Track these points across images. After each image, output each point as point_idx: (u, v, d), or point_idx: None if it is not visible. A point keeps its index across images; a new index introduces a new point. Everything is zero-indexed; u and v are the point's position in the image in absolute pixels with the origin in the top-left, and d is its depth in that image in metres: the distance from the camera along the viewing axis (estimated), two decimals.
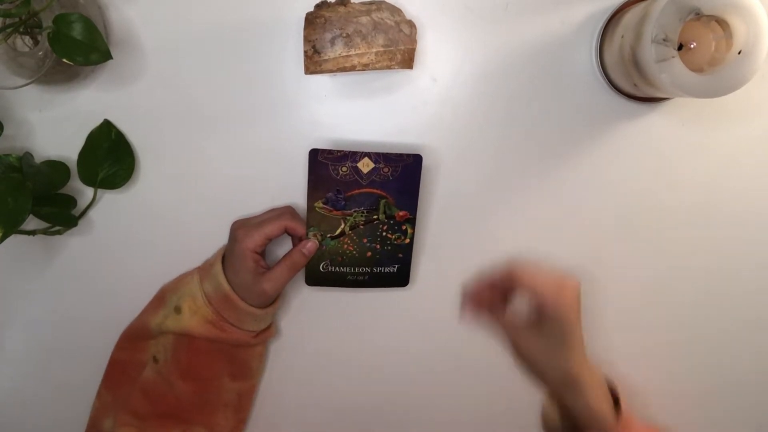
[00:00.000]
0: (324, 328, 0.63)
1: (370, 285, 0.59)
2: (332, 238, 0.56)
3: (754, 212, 0.61)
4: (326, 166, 0.54)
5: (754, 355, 0.63)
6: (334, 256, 0.57)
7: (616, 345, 0.63)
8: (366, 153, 0.54)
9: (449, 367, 0.64)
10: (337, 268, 0.58)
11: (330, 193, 0.55)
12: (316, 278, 0.58)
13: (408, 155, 0.55)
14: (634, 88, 0.56)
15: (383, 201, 0.55)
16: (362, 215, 0.56)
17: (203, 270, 0.57)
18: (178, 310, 0.55)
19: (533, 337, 0.51)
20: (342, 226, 0.56)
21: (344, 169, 0.54)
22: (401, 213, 0.56)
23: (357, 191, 0.55)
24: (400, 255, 0.58)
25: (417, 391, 0.64)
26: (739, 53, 0.47)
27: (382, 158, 0.54)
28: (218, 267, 0.55)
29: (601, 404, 0.50)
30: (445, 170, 0.60)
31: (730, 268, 0.62)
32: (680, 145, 0.60)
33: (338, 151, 0.54)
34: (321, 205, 0.55)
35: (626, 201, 0.61)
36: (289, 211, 0.57)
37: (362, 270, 0.58)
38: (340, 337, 0.63)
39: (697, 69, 0.48)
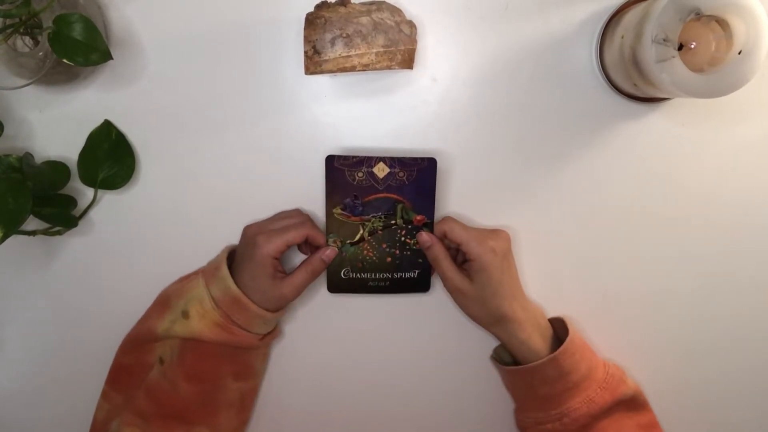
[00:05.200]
0: (328, 329, 0.63)
1: (391, 291, 0.59)
2: (352, 244, 0.57)
3: (755, 212, 0.61)
4: (342, 172, 0.55)
5: (754, 358, 0.63)
6: (354, 263, 0.57)
7: (616, 345, 0.63)
8: (381, 158, 0.55)
9: (452, 370, 0.64)
10: (358, 275, 0.58)
11: (347, 199, 0.56)
12: (337, 285, 0.58)
13: (422, 159, 0.56)
14: (634, 88, 0.56)
15: (400, 206, 0.56)
16: (380, 221, 0.56)
17: (207, 273, 0.56)
18: (185, 314, 0.55)
19: (466, 288, 0.55)
20: (361, 232, 0.57)
21: (360, 174, 0.55)
22: (418, 217, 0.57)
23: (374, 196, 0.56)
24: (420, 260, 0.58)
25: (421, 393, 0.64)
26: (739, 53, 0.47)
27: (397, 163, 0.55)
28: (224, 270, 0.55)
29: (532, 339, 0.55)
30: (444, 169, 0.59)
31: (730, 268, 0.62)
32: (680, 145, 0.60)
33: (354, 157, 0.55)
34: (339, 211, 0.56)
35: (626, 200, 0.61)
36: (309, 219, 0.57)
37: (383, 276, 0.58)
38: (344, 338, 0.63)
39: (697, 69, 0.48)
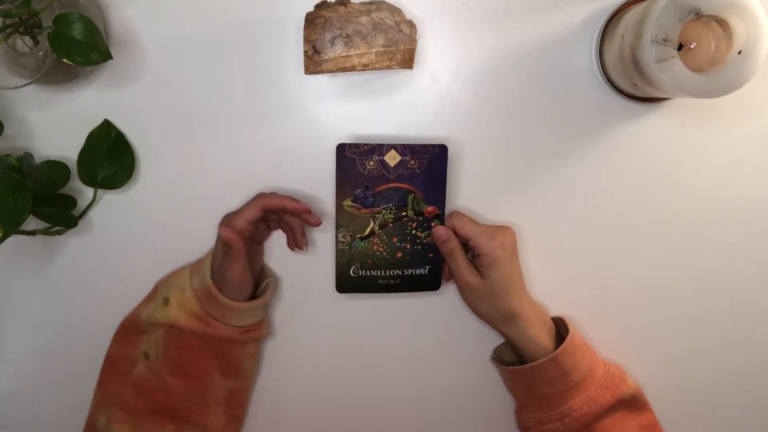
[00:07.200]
0: (330, 328, 0.63)
1: (401, 290, 0.58)
2: (362, 239, 0.56)
3: (754, 212, 0.61)
4: (353, 161, 0.55)
5: (755, 356, 0.63)
6: (364, 259, 0.57)
7: (617, 344, 0.63)
8: (392, 145, 0.55)
9: (454, 369, 0.64)
10: (368, 272, 0.57)
11: (358, 190, 0.55)
12: (347, 284, 0.58)
13: (433, 146, 0.55)
14: (634, 88, 0.56)
15: (411, 196, 0.56)
16: (391, 212, 0.56)
17: (195, 266, 0.58)
18: (166, 301, 0.56)
19: (477, 284, 0.55)
20: (371, 225, 0.56)
21: (371, 163, 0.55)
22: (430, 209, 0.56)
23: (385, 186, 0.55)
24: (431, 255, 0.57)
25: (422, 392, 0.64)
26: (739, 53, 0.47)
27: (409, 150, 0.55)
28: (207, 262, 0.56)
29: (541, 336, 0.55)
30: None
31: (730, 267, 0.62)
32: (680, 145, 0.60)
33: (365, 145, 0.55)
34: (350, 203, 0.55)
35: (626, 200, 0.61)
36: (267, 192, 0.57)
37: (393, 273, 0.57)
38: (346, 337, 0.63)
39: (697, 69, 0.48)
